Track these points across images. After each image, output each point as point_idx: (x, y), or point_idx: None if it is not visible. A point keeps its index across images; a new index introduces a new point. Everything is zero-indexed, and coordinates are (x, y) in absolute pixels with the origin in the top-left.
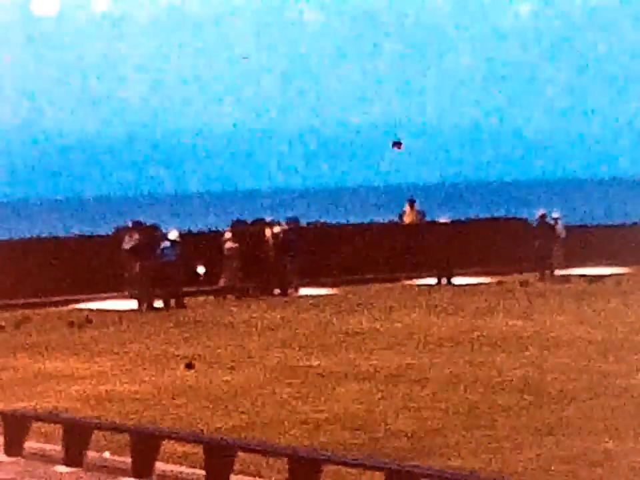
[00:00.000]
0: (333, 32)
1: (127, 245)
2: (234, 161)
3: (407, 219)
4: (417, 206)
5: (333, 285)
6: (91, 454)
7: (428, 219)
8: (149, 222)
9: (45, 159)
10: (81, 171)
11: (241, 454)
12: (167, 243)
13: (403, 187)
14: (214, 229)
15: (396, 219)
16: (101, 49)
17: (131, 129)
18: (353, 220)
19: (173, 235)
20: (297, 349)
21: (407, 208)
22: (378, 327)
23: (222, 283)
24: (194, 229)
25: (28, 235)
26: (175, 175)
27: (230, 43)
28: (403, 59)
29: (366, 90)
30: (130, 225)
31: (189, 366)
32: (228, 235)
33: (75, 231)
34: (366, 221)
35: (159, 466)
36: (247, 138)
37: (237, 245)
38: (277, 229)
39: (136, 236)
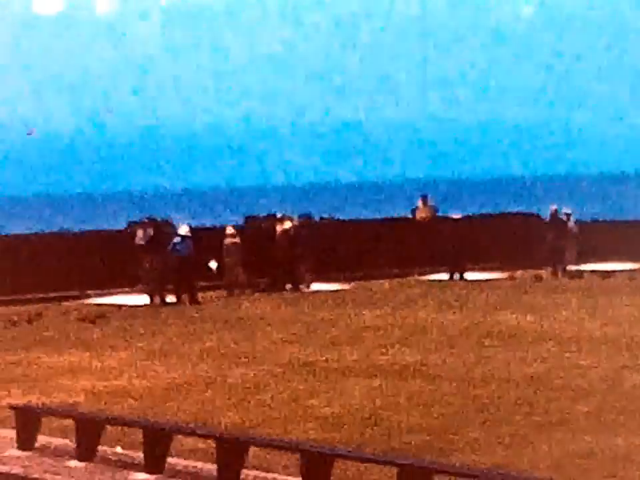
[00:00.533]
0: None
1: (139, 240)
2: (245, 156)
3: (419, 215)
4: (429, 201)
5: (345, 281)
6: (103, 448)
7: (440, 214)
8: (160, 217)
9: (53, 156)
10: (92, 167)
11: (252, 449)
12: (178, 238)
13: (412, 182)
14: (227, 224)
15: (408, 214)
16: (108, 48)
17: (141, 125)
18: (364, 215)
19: (184, 229)
20: (309, 344)
21: (419, 203)
22: (390, 322)
23: (225, 279)
24: (206, 224)
25: (40, 231)
26: (187, 170)
27: (233, 40)
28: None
29: (375, 87)
30: (143, 220)
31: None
32: (229, 230)
33: (88, 226)
34: (378, 216)
35: (171, 460)
36: (257, 134)
37: (237, 240)
38: (288, 225)
39: (150, 231)
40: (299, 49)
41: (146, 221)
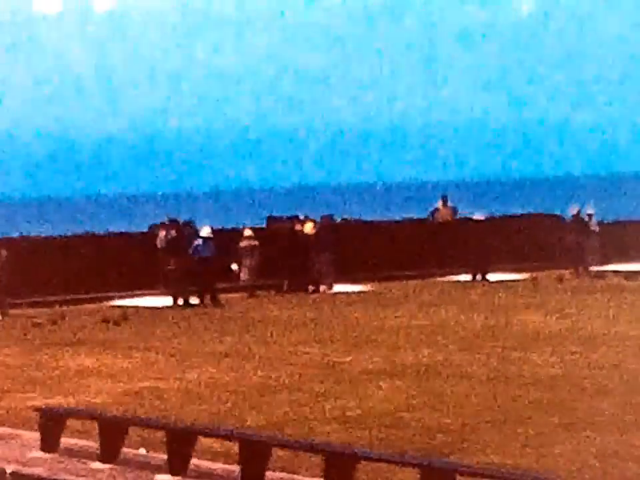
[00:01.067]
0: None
1: (161, 241)
2: (266, 157)
3: (440, 216)
4: (449, 202)
5: (367, 282)
6: (127, 450)
7: (460, 215)
8: (183, 219)
9: (70, 158)
10: (116, 169)
11: (276, 450)
12: (200, 240)
13: (431, 184)
14: (249, 225)
15: (427, 215)
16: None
17: (158, 124)
18: (385, 216)
19: (205, 231)
20: (331, 345)
21: (439, 204)
22: (412, 323)
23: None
24: (228, 226)
25: (64, 233)
26: (208, 172)
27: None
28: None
29: (391, 88)
30: (165, 222)
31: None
32: (247, 232)
33: (111, 228)
34: (397, 217)
35: (194, 462)
36: (278, 135)
37: (254, 243)
38: (310, 226)
39: (171, 232)
40: (320, 49)
41: (167, 222)
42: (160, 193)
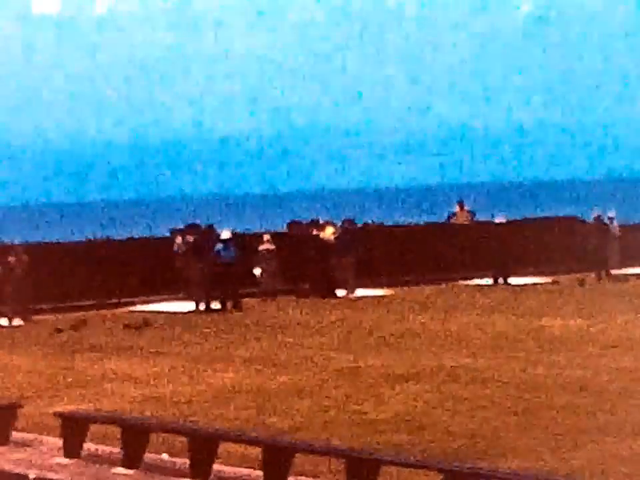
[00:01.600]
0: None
1: (178, 247)
2: (287, 162)
3: (458, 220)
4: (466, 206)
5: (388, 286)
6: (149, 455)
7: (481, 218)
8: (204, 224)
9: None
10: (133, 174)
11: (298, 455)
12: (221, 245)
13: (448, 186)
14: (270, 230)
15: (445, 219)
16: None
17: (177, 129)
18: (404, 220)
19: (225, 234)
20: (354, 349)
21: (456, 208)
22: (434, 327)
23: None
24: (251, 230)
25: (85, 238)
26: (230, 176)
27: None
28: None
29: (414, 93)
30: (184, 227)
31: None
32: (266, 237)
33: (132, 233)
34: (419, 221)
35: (217, 467)
36: (295, 139)
37: (272, 247)
38: (331, 230)
39: (189, 238)
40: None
41: (184, 228)
42: (186, 197)
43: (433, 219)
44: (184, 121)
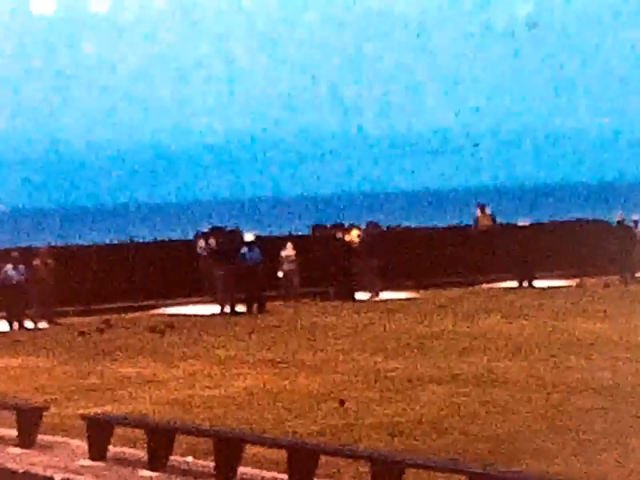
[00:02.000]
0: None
1: (201, 249)
2: (313, 165)
3: (480, 223)
4: (487, 210)
5: (413, 289)
6: (174, 458)
7: (505, 221)
8: (229, 227)
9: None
10: (160, 178)
11: (323, 457)
12: (246, 248)
13: (462, 191)
14: (295, 233)
15: (467, 223)
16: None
17: (206, 134)
18: (427, 223)
19: (249, 237)
20: (378, 352)
21: (478, 212)
22: (459, 330)
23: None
24: (274, 233)
25: (110, 241)
26: (254, 179)
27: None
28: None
29: (427, 96)
30: (207, 230)
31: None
32: (289, 244)
33: (157, 236)
34: (442, 224)
35: (242, 470)
36: (318, 143)
37: (294, 252)
38: (356, 233)
39: (212, 241)
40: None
41: (207, 231)
42: (212, 200)
43: (454, 222)
44: (207, 125)
